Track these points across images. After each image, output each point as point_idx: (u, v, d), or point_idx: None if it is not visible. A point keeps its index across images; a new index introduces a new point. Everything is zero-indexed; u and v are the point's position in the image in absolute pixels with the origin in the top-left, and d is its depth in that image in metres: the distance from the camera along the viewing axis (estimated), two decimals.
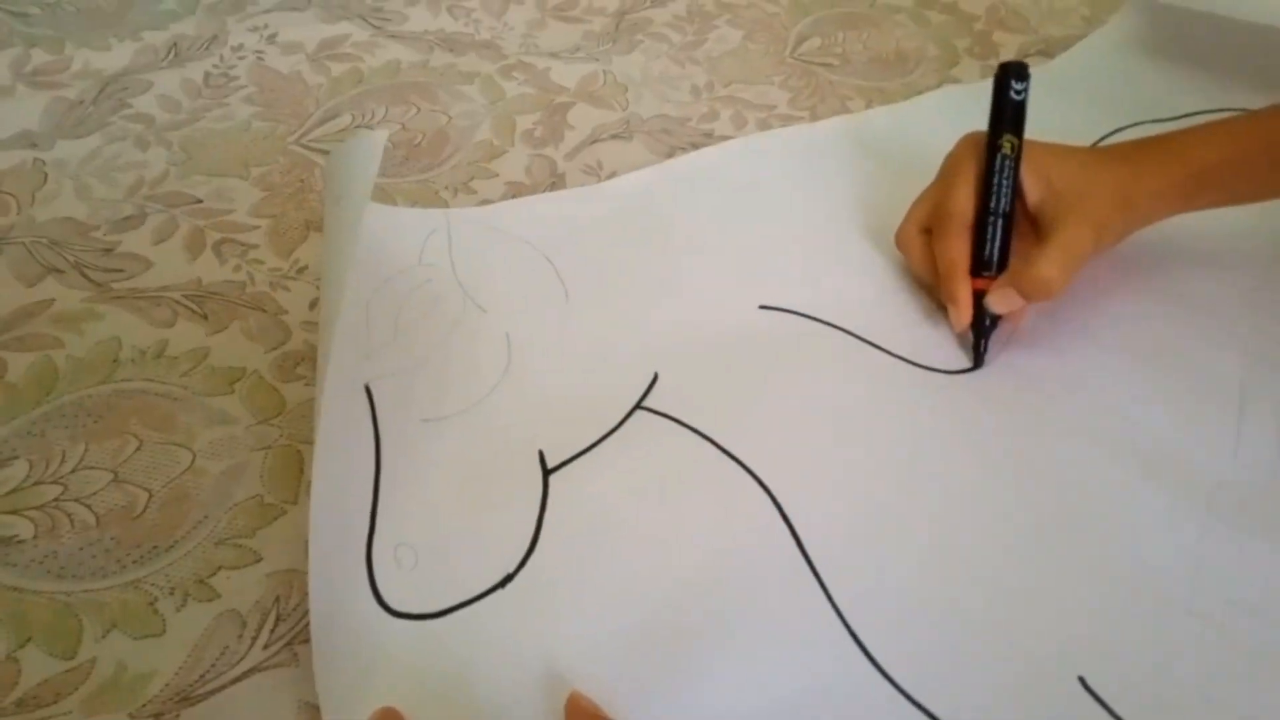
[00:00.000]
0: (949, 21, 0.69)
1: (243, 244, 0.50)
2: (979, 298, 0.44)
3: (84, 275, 0.48)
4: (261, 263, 0.49)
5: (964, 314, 0.44)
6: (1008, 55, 0.65)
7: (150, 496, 0.39)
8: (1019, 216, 0.44)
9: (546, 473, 0.39)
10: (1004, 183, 0.43)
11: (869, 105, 0.61)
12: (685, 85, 0.62)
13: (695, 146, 0.57)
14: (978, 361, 0.44)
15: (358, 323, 0.43)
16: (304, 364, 0.44)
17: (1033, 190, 0.44)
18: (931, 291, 0.47)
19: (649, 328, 0.45)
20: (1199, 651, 0.34)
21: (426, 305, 0.45)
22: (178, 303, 0.47)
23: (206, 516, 0.39)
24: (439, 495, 0.39)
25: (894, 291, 0.48)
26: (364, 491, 0.38)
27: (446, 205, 0.52)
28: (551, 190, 0.54)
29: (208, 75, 0.61)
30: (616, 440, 0.41)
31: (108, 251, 0.49)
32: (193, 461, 0.40)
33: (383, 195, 0.53)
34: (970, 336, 0.44)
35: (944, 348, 0.45)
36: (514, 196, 0.53)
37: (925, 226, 0.46)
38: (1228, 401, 0.42)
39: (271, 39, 0.64)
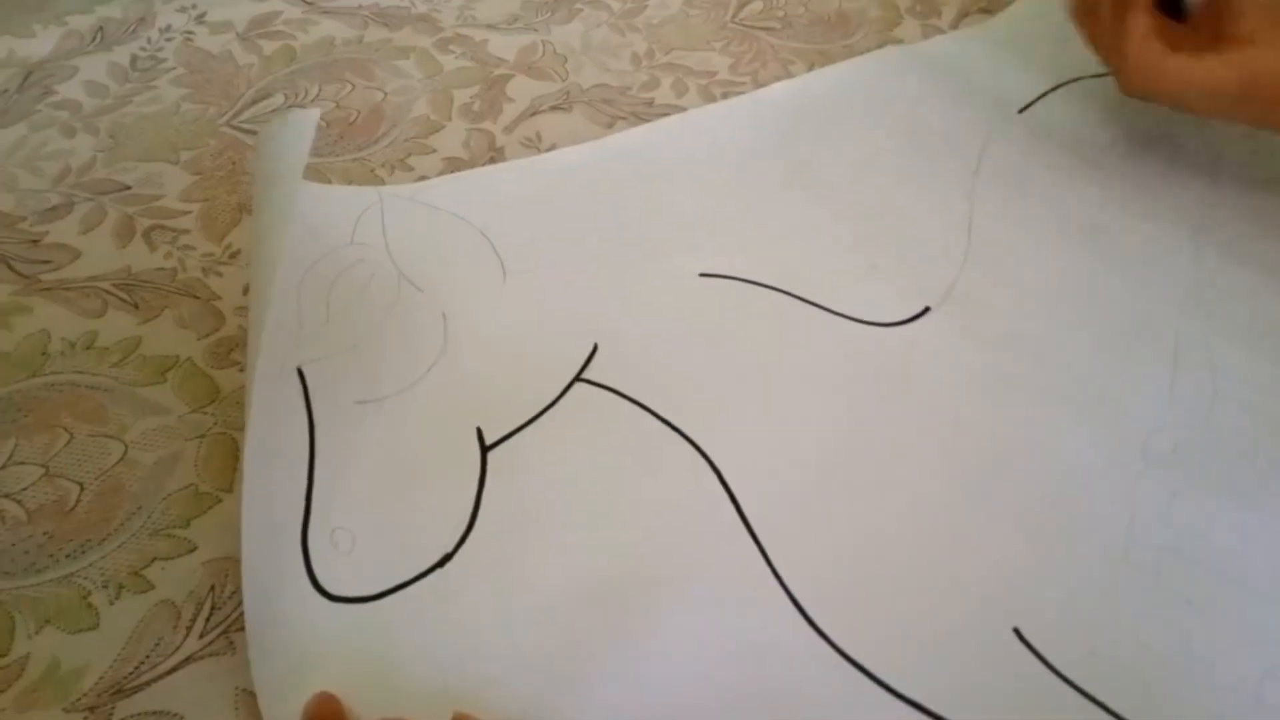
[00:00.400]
0: None
1: (173, 230, 0.49)
2: None
3: (10, 268, 0.47)
4: (193, 248, 0.48)
5: None
6: (950, 14, 0.65)
7: (82, 490, 0.39)
8: None
9: (485, 450, 0.39)
10: None
11: (811, 69, 0.60)
12: (625, 54, 0.61)
13: (636, 116, 0.56)
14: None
15: (288, 305, 0.42)
16: (238, 350, 0.44)
17: None
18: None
19: (588, 301, 0.45)
20: (1134, 600, 0.35)
21: (360, 286, 0.44)
22: (107, 292, 0.46)
23: (140, 508, 0.38)
24: (376, 477, 0.38)
25: (835, 250, 0.47)
26: (298, 476, 0.38)
27: (383, 183, 0.51)
28: (490, 164, 0.53)
29: (135, 58, 0.59)
30: (555, 414, 0.40)
31: (34, 243, 0.48)
32: (125, 453, 0.40)
33: (317, 175, 0.52)
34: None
35: (885, 303, 0.45)
36: (452, 172, 0.52)
37: None
38: (1162, 349, 0.42)
39: (200, 19, 0.62)
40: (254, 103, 0.56)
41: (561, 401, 0.41)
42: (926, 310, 0.44)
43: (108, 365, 0.43)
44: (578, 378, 0.42)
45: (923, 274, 0.46)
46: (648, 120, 0.56)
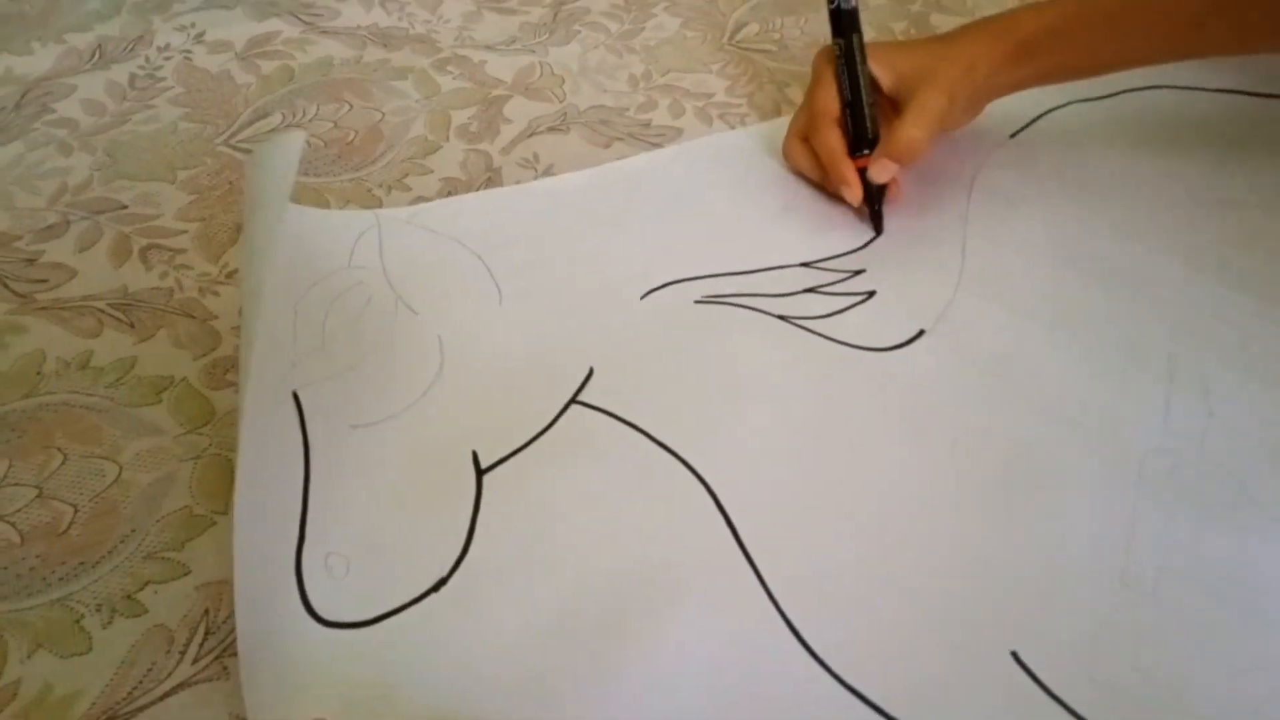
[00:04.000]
0: (887, 4, 0.69)
1: (170, 249, 0.49)
2: (864, 175, 0.49)
3: (6, 287, 0.47)
4: (190, 268, 0.48)
5: (855, 189, 0.49)
6: None
7: (76, 511, 0.38)
8: (884, 105, 0.51)
9: (480, 473, 0.39)
10: (844, 77, 0.50)
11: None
12: (623, 75, 0.62)
13: (633, 137, 0.56)
14: (878, 228, 0.50)
15: (284, 328, 0.42)
16: (234, 370, 0.43)
17: (885, 79, 0.50)
18: (826, 187, 0.52)
19: (583, 325, 0.45)
20: (1130, 621, 0.35)
21: (357, 309, 0.44)
22: (103, 312, 0.46)
23: (134, 530, 0.38)
24: (371, 502, 0.38)
25: (829, 277, 0.48)
26: (293, 500, 0.38)
27: (380, 203, 0.51)
28: (488, 185, 0.53)
29: (133, 77, 0.60)
30: (551, 437, 0.40)
31: (30, 262, 0.48)
32: (119, 474, 0.40)
33: (315, 195, 0.52)
34: (867, 212, 0.51)
35: (880, 327, 0.45)
36: (450, 193, 0.52)
37: (803, 135, 0.52)
38: (1157, 372, 0.42)
39: (199, 38, 0.63)
40: (252, 122, 0.57)
41: (557, 424, 0.41)
42: (921, 333, 0.45)
43: (103, 385, 0.43)
44: (573, 400, 0.42)
45: (917, 297, 0.46)
46: (645, 141, 0.56)
